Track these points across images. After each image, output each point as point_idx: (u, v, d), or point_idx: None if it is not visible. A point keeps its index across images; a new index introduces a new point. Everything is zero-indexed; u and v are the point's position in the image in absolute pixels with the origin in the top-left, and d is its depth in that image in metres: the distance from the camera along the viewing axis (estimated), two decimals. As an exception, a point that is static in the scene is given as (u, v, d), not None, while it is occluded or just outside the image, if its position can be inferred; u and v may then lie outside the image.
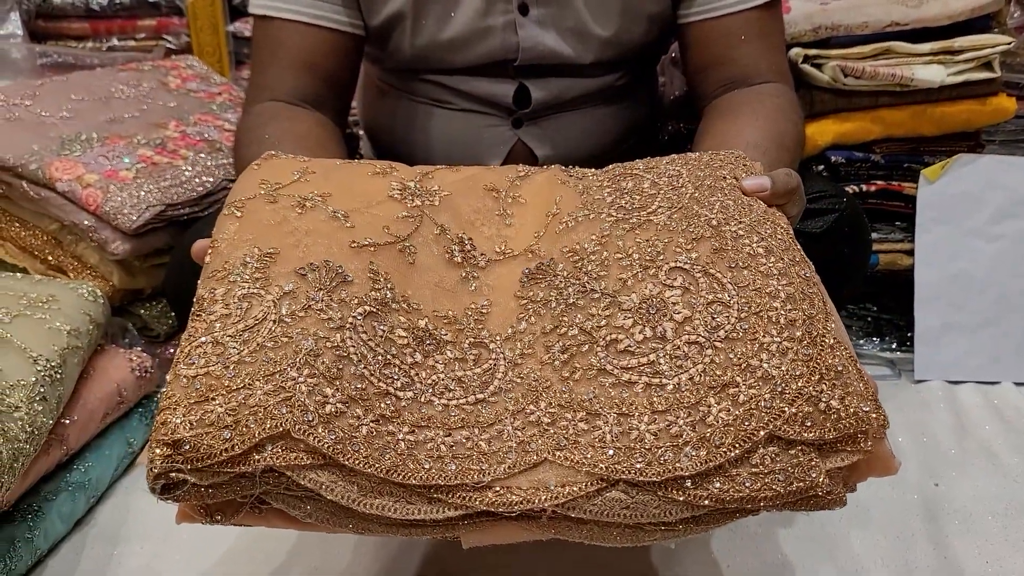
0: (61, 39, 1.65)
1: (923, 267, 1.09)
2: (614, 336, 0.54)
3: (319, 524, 0.49)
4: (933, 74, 1.07)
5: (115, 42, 1.63)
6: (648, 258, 0.58)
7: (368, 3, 0.92)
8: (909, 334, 1.12)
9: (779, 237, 0.58)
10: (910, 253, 1.11)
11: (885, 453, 0.50)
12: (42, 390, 0.73)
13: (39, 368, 0.74)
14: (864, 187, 1.11)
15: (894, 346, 1.14)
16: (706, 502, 0.48)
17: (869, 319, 1.17)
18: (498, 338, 0.55)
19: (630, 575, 0.76)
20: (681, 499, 0.48)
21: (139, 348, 0.98)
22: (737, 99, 0.92)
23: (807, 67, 1.09)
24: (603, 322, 0.55)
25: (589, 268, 0.58)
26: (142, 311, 1.03)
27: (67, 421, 0.79)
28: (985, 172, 1.10)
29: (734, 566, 0.75)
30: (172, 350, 1.03)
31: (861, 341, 1.15)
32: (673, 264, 0.57)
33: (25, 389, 0.72)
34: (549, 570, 0.76)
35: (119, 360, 0.90)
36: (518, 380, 0.53)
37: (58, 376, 0.76)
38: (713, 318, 0.54)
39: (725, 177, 0.63)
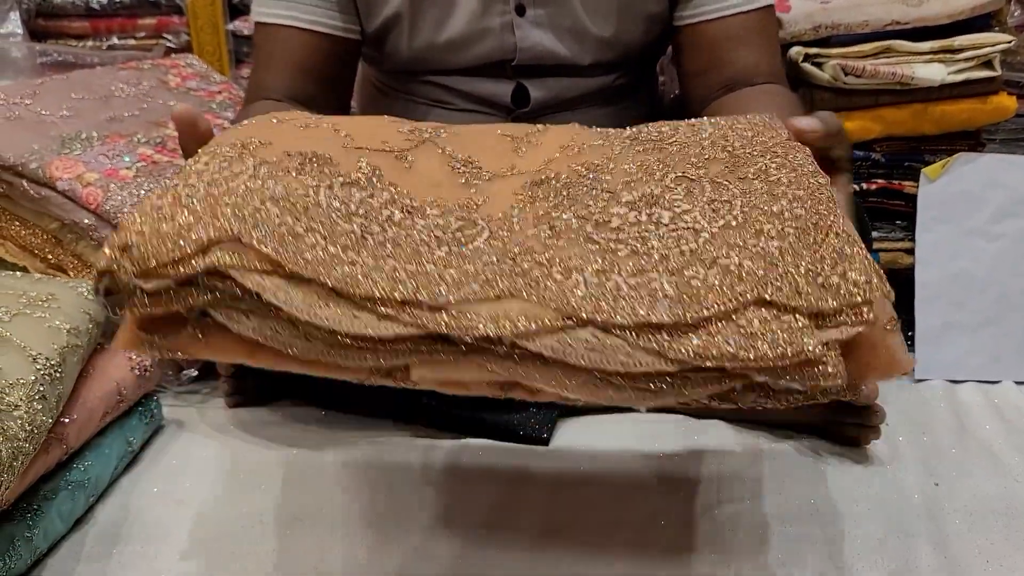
0: (61, 38, 1.65)
1: (924, 266, 1.09)
2: (606, 219, 0.52)
3: (262, 345, 0.46)
4: (934, 73, 1.07)
5: (115, 41, 1.63)
6: (656, 169, 0.56)
7: (366, 6, 0.93)
8: (910, 333, 1.12)
9: (794, 157, 0.56)
10: (910, 252, 1.11)
11: (894, 346, 0.47)
12: (42, 389, 0.73)
13: (39, 367, 0.74)
14: (865, 186, 1.11)
15: (894, 345, 1.14)
16: (682, 355, 0.44)
17: (870, 318, 1.16)
18: (488, 217, 0.53)
19: None
20: (654, 349, 0.44)
21: (139, 347, 0.98)
22: (743, 97, 0.92)
23: (807, 66, 1.08)
24: (598, 210, 0.52)
25: (595, 175, 0.56)
26: (142, 310, 1.03)
27: (67, 420, 0.79)
28: (986, 171, 1.10)
29: (734, 565, 0.75)
30: (172, 349, 1.03)
31: (861, 340, 1.15)
32: (680, 173, 0.55)
33: (25, 388, 0.72)
34: None
35: (119, 359, 0.90)
36: (499, 245, 0.50)
37: (58, 375, 0.76)
38: (714, 211, 0.51)
39: (747, 122, 0.61)
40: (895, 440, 0.93)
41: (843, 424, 0.90)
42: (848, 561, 0.76)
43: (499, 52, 0.95)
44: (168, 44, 1.62)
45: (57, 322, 0.80)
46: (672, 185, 0.54)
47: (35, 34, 1.63)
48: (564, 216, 0.52)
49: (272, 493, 0.85)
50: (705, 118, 0.64)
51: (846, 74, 1.07)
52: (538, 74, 0.97)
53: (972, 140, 1.15)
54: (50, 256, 1.02)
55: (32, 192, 0.98)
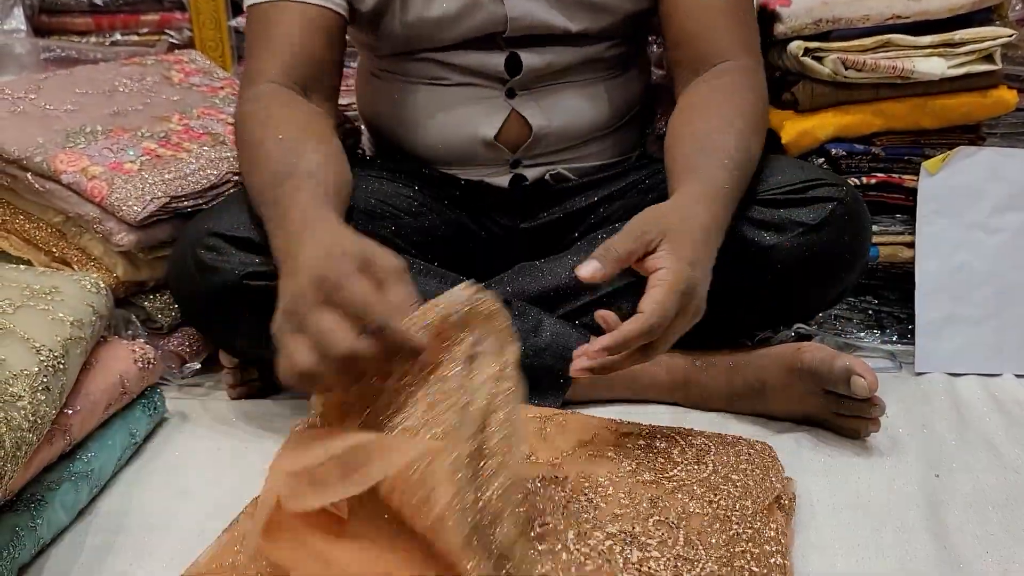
0: (64, 34, 1.65)
1: (924, 259, 1.10)
2: (584, 534, 0.61)
3: None
4: (934, 66, 1.07)
5: (118, 37, 1.63)
6: (645, 508, 0.65)
7: None
8: (910, 327, 1.12)
9: (765, 535, 0.65)
10: (910, 246, 1.11)
11: None
12: (45, 380, 0.74)
13: (42, 358, 0.74)
14: (864, 179, 1.11)
15: (895, 339, 1.14)
16: None
17: (870, 312, 1.16)
18: None
19: None
20: None
21: (143, 340, 0.99)
22: (699, 94, 0.96)
23: (808, 60, 1.09)
24: (581, 529, 0.62)
25: (592, 496, 0.66)
26: (146, 303, 1.03)
27: (70, 411, 0.79)
28: (986, 164, 1.10)
29: (733, 555, 0.75)
30: (175, 342, 1.03)
31: (862, 334, 1.15)
32: (663, 519, 0.64)
33: (28, 379, 0.72)
34: None
35: (122, 351, 0.90)
36: None
37: (61, 366, 0.76)
38: (676, 568, 0.60)
39: (744, 470, 0.73)
40: (895, 432, 0.93)
41: (843, 416, 0.90)
42: (847, 552, 0.76)
43: (490, 24, 0.96)
44: (171, 40, 1.63)
45: (60, 314, 0.81)
46: (652, 529, 0.63)
47: (38, 31, 1.64)
48: (553, 521, 0.63)
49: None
50: (713, 445, 0.76)
51: (846, 68, 1.07)
52: (529, 44, 0.99)
53: (973, 134, 1.15)
54: (54, 250, 1.02)
55: (37, 185, 0.98)
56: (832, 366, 0.88)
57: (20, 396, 0.71)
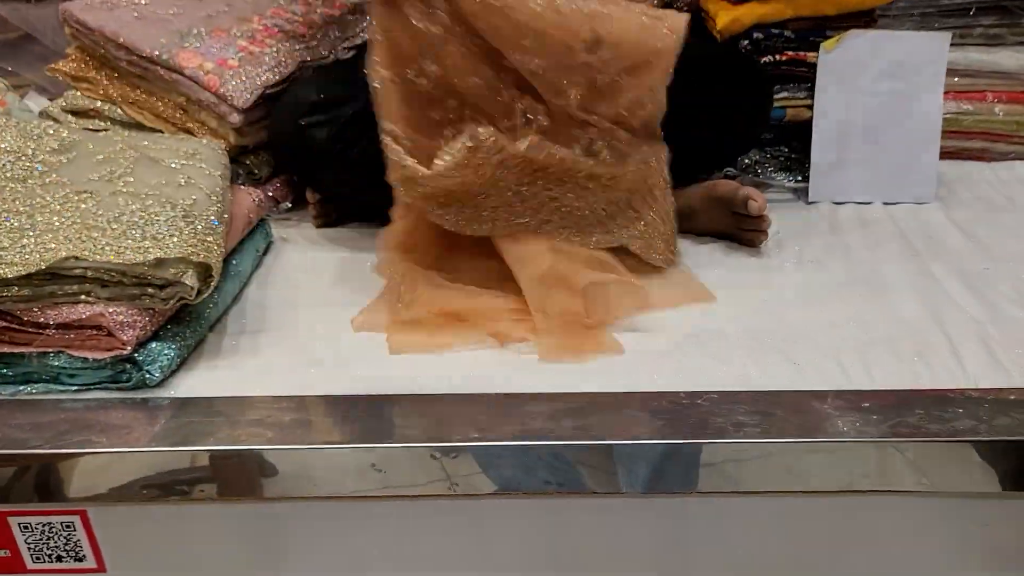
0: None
1: (820, 118, 1.46)
2: None
3: None
4: (832, -34, 1.41)
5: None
6: None
7: None
8: (807, 165, 1.50)
9: None
10: (811, 107, 1.47)
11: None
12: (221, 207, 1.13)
13: (215, 199, 1.13)
14: (778, 57, 1.46)
15: (799, 178, 1.52)
16: None
17: (782, 158, 1.54)
18: None
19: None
20: None
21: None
22: None
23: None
24: None
25: None
26: (248, 160, 1.41)
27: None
28: (870, 44, 1.45)
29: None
30: (271, 188, 1.42)
31: (776, 174, 1.53)
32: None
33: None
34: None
35: (243, 194, 1.29)
36: None
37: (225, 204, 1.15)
38: None
39: None
40: (783, 241, 1.33)
41: (744, 231, 1.30)
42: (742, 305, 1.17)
43: None
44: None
45: (209, 169, 1.19)
46: None
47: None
48: None
49: (351, 282, 1.26)
50: None
51: (766, -30, 1.40)
52: None
53: (867, 18, 1.49)
54: (178, 123, 1.38)
55: (165, 76, 1.33)
56: (736, 194, 1.27)
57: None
